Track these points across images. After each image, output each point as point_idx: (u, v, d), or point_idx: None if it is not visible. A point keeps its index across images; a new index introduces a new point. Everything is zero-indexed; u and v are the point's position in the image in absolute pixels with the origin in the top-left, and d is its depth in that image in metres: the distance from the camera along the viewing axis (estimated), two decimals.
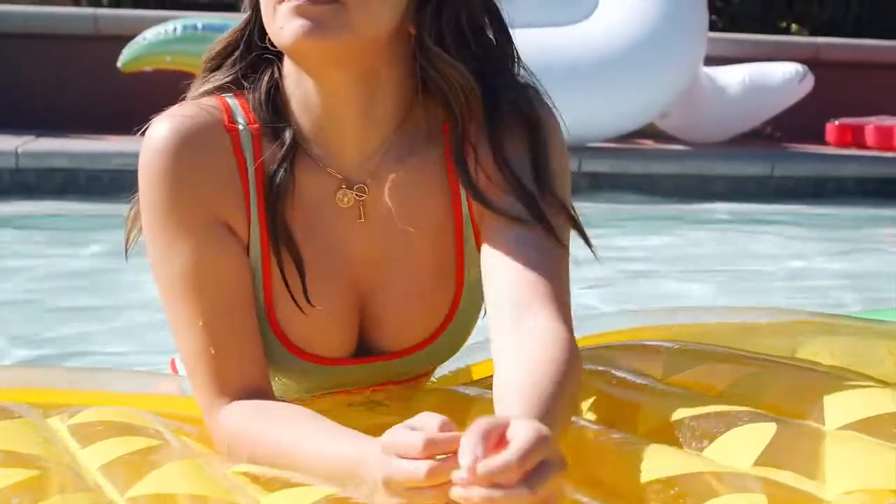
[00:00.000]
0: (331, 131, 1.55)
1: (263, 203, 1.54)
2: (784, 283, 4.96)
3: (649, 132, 9.01)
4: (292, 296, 1.54)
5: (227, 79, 1.60)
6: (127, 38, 8.25)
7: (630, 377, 1.50)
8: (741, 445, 1.26)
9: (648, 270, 5.25)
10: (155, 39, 8.09)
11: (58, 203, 6.50)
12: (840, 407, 1.33)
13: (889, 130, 9.22)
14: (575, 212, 1.57)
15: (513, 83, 1.57)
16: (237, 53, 1.61)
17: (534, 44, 7.79)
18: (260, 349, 1.53)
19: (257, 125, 1.55)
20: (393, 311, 1.60)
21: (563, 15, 7.87)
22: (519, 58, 1.60)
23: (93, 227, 5.91)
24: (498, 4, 1.59)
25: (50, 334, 3.81)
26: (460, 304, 1.62)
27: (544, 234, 1.51)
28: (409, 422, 1.18)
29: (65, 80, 9.00)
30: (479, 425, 1.10)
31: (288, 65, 1.56)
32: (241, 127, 1.54)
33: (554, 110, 1.60)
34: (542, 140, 1.56)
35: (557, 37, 7.68)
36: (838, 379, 1.43)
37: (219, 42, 1.63)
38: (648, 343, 1.64)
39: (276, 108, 1.56)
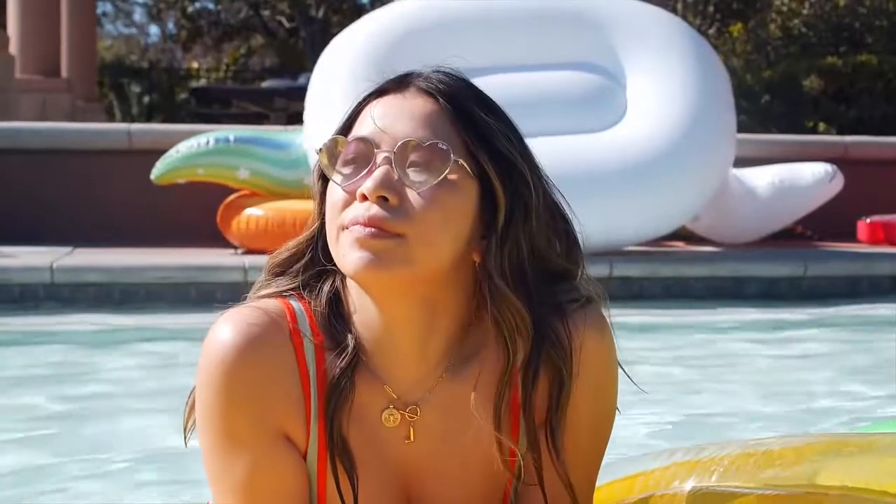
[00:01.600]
0: (390, 349, 1.55)
1: (323, 416, 1.53)
2: (822, 389, 4.90)
3: (680, 234, 9.01)
4: None
5: (290, 286, 1.59)
6: (160, 152, 8.36)
7: None
8: None
9: (681, 379, 5.20)
10: (188, 152, 8.19)
11: (92, 317, 6.52)
12: None
13: None
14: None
15: (563, 306, 1.58)
16: (301, 263, 1.60)
17: (565, 151, 7.86)
18: None
19: (321, 337, 1.55)
20: None
21: (593, 122, 7.93)
22: (584, 266, 1.61)
23: (126, 342, 5.93)
24: (568, 219, 1.60)
25: (82, 447, 3.81)
26: None
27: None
28: None
29: (99, 194, 9.11)
30: None
31: (351, 282, 1.55)
32: (306, 338, 1.54)
33: (608, 330, 1.61)
34: (564, 396, 1.57)
35: (588, 144, 7.73)
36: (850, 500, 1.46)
37: (285, 250, 1.62)
38: (668, 493, 1.66)
39: (338, 318, 1.56)
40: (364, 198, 1.46)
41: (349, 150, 1.50)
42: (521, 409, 1.56)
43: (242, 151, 8.22)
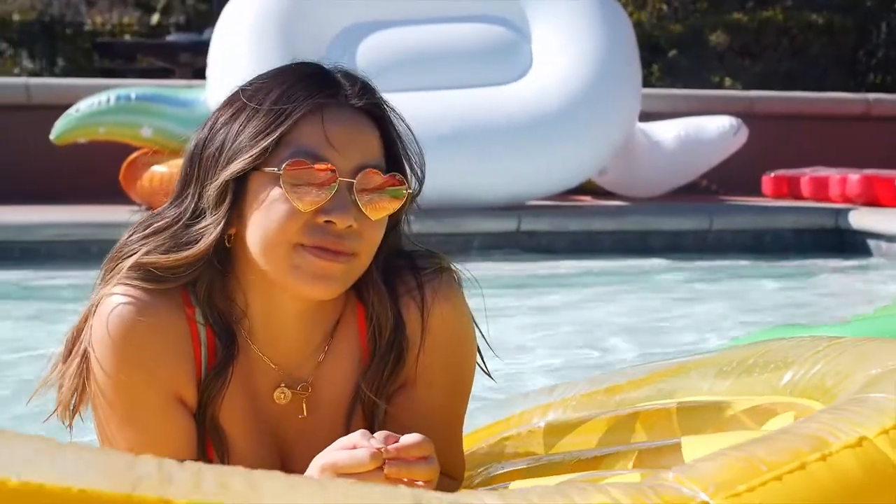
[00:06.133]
0: (281, 337, 1.65)
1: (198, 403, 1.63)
2: (725, 338, 4.94)
3: (587, 188, 9.04)
4: None
5: (174, 285, 1.61)
6: (60, 107, 8.19)
7: (520, 465, 1.69)
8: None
9: (590, 329, 5.22)
10: (88, 111, 8.03)
11: None
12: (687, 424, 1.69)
13: (824, 181, 9.31)
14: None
15: (419, 275, 1.67)
16: (197, 268, 1.60)
17: (469, 105, 7.83)
18: None
19: (209, 317, 1.62)
20: None
21: (498, 75, 7.89)
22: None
23: (26, 298, 5.82)
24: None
25: None
26: None
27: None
28: (337, 445, 1.42)
29: None
30: (379, 433, 1.43)
31: (249, 275, 1.60)
32: (197, 311, 1.60)
33: (459, 297, 1.71)
34: (400, 366, 1.67)
35: (493, 97, 7.70)
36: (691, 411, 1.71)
37: (179, 259, 1.59)
38: (526, 428, 1.90)
39: (223, 304, 1.62)
40: (329, 223, 1.52)
41: (305, 169, 1.53)
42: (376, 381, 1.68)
43: (145, 109, 8.08)
